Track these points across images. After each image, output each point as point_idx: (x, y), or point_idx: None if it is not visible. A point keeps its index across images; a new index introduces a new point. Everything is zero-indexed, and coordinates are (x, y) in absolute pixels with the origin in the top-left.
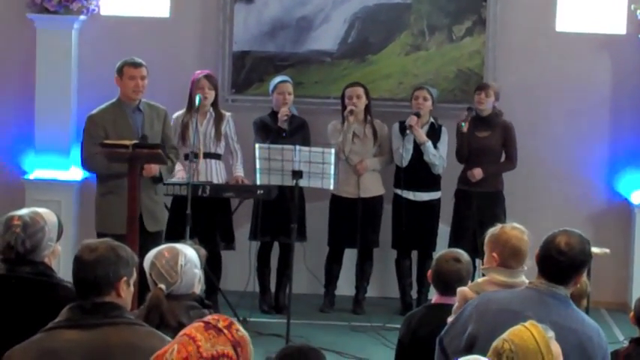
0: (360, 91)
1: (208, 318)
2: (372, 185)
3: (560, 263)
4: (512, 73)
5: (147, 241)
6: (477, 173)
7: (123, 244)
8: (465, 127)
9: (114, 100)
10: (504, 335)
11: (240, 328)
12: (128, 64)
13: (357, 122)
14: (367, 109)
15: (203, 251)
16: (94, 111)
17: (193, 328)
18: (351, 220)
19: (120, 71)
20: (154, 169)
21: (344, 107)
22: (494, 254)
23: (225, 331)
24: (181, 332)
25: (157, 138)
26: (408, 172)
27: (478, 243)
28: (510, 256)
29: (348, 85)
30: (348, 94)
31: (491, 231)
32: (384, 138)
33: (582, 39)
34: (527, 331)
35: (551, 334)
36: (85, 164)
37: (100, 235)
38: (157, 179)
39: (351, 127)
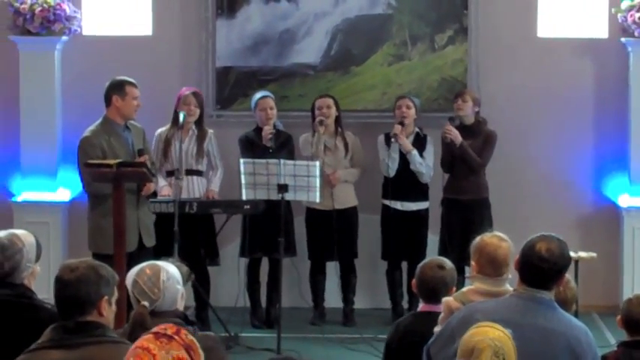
0: (330, 101)
1: (156, 328)
2: (346, 197)
3: (543, 270)
4: (496, 80)
5: (144, 255)
6: (455, 135)
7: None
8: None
9: (100, 120)
10: (481, 337)
11: (188, 333)
12: (130, 83)
13: (327, 134)
14: (337, 121)
15: (185, 268)
16: (87, 133)
17: (145, 340)
18: (328, 232)
19: (122, 91)
20: (152, 186)
21: (314, 119)
22: (473, 262)
23: (176, 337)
24: (133, 346)
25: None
26: (395, 183)
27: (466, 251)
28: (486, 264)
29: (317, 97)
30: (318, 105)
31: (475, 240)
32: (356, 149)
33: (564, 44)
34: (497, 330)
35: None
36: (90, 187)
37: (96, 256)
38: (150, 195)
39: (322, 138)
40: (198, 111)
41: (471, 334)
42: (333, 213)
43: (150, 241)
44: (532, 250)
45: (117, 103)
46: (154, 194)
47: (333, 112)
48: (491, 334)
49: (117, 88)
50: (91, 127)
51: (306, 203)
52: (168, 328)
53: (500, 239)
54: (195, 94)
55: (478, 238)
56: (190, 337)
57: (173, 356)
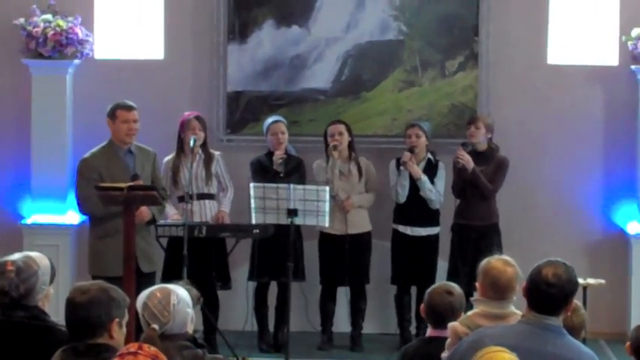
0: (342, 128)
1: (120, 352)
2: (360, 222)
3: (551, 295)
4: (506, 107)
5: (142, 282)
6: (468, 160)
7: (117, 286)
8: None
9: (105, 143)
10: None
11: (151, 346)
12: (121, 107)
13: (341, 160)
14: (351, 147)
15: (195, 291)
16: (87, 154)
17: None
18: (341, 257)
19: (112, 114)
20: (145, 214)
21: (327, 145)
22: (478, 285)
23: (140, 351)
24: None
25: (148, 180)
26: (405, 208)
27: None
28: (490, 287)
29: (329, 123)
30: (331, 132)
31: (482, 263)
32: (369, 175)
33: (575, 71)
34: (508, 354)
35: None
36: (82, 207)
37: (95, 278)
38: (151, 221)
39: (337, 164)
40: (202, 134)
41: (485, 358)
42: (347, 238)
43: (147, 267)
44: (539, 275)
45: (110, 126)
46: (153, 221)
47: (346, 138)
48: (506, 358)
49: (110, 111)
50: (93, 150)
51: (320, 227)
52: (131, 347)
53: (506, 263)
54: (197, 118)
55: (485, 261)
56: (154, 348)
57: None
